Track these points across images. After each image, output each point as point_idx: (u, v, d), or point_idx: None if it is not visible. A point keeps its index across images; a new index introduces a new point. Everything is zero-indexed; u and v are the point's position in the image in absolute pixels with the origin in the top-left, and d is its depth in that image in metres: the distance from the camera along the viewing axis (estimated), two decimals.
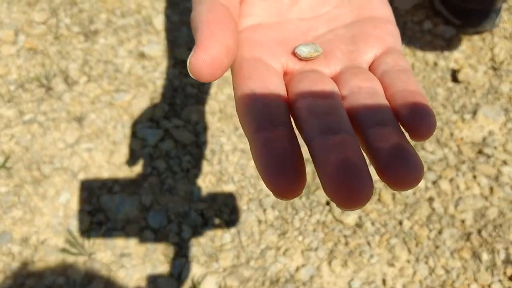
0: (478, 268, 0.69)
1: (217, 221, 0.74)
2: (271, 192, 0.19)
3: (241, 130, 0.84)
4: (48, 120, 0.83)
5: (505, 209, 0.74)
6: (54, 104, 0.85)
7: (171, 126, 0.83)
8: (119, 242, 0.72)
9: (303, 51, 0.23)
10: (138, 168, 0.79)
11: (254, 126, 0.19)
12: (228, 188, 0.77)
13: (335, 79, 0.23)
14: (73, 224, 0.73)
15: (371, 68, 0.24)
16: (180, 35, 0.95)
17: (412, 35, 0.95)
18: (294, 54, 0.24)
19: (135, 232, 0.73)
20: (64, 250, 0.70)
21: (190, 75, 0.20)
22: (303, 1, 0.26)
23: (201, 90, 0.88)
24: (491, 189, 0.76)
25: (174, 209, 0.75)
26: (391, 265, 0.70)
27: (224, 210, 0.75)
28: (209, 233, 0.73)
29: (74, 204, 0.75)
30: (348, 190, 0.17)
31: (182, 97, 0.87)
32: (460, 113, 0.85)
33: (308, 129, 0.20)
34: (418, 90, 0.21)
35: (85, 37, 0.95)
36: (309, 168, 0.79)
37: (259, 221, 0.74)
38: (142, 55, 0.92)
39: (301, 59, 0.23)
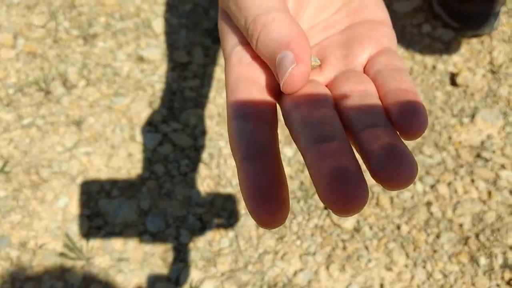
0: (476, 273, 0.69)
1: (215, 225, 0.74)
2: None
3: None
4: (47, 124, 0.84)
5: (503, 213, 0.74)
6: (53, 108, 0.85)
7: (170, 130, 0.83)
8: (117, 246, 0.72)
9: None
10: (136, 172, 0.79)
11: (241, 155, 0.19)
12: (227, 192, 0.77)
13: (329, 85, 0.24)
14: (72, 228, 0.73)
15: (365, 68, 0.24)
16: (179, 38, 0.95)
17: (411, 38, 0.95)
18: None
19: (134, 236, 0.73)
20: (62, 255, 0.70)
21: None
22: (304, 12, 0.26)
23: (200, 94, 0.89)
24: (489, 193, 0.76)
25: (172, 213, 0.75)
26: (389, 269, 0.70)
27: (222, 214, 0.75)
28: (207, 238, 0.73)
29: (72, 208, 0.75)
30: (343, 197, 0.17)
31: (181, 101, 0.87)
32: (459, 117, 0.85)
33: (302, 139, 0.20)
34: (411, 88, 0.21)
35: (84, 40, 0.95)
36: (307, 173, 0.79)
37: (257, 226, 0.74)
38: (141, 59, 0.92)
39: None
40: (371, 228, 0.73)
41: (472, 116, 0.84)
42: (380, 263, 0.70)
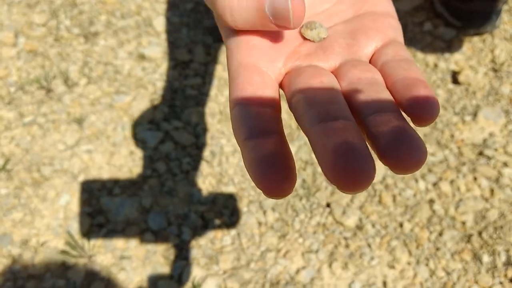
0: (478, 270, 0.69)
1: (217, 223, 0.74)
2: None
3: None
4: (48, 122, 0.83)
5: (505, 211, 0.74)
6: (54, 106, 0.85)
7: (171, 128, 0.83)
8: (119, 244, 0.72)
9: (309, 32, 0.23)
10: (138, 170, 0.79)
11: (244, 135, 0.19)
12: (228, 190, 0.77)
13: (335, 72, 0.23)
14: (73, 226, 0.73)
15: (371, 60, 0.24)
16: (180, 37, 0.95)
17: (413, 36, 0.95)
18: (300, 34, 0.24)
19: (135, 234, 0.73)
20: (64, 252, 0.70)
21: None
22: (306, 1, 0.26)
23: (201, 92, 0.88)
24: (492, 191, 0.76)
25: (174, 211, 0.75)
26: (391, 267, 0.70)
27: (224, 212, 0.75)
28: (209, 235, 0.73)
29: (74, 206, 0.75)
30: (349, 173, 0.16)
31: (182, 99, 0.87)
32: (461, 115, 0.84)
33: (307, 119, 0.19)
34: (420, 77, 0.21)
35: (85, 38, 0.95)
36: (310, 170, 0.79)
37: (259, 223, 0.74)
38: (142, 57, 0.92)
39: (306, 38, 0.24)
40: (373, 225, 0.73)
41: (474, 114, 0.84)
42: (383, 260, 0.70)
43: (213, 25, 0.96)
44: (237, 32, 0.23)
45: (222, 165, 0.80)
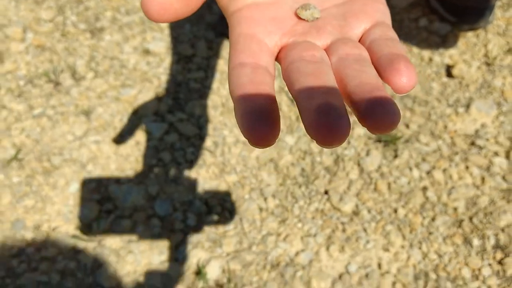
0: (469, 253, 0.73)
1: (220, 209, 0.78)
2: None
3: None
4: (57, 114, 0.87)
5: (495, 198, 0.77)
6: (63, 99, 0.89)
7: (175, 120, 0.87)
8: (127, 229, 0.75)
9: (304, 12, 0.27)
10: (144, 160, 0.82)
11: (239, 90, 0.22)
12: (231, 178, 0.81)
13: (326, 50, 0.27)
14: (83, 212, 0.77)
15: (361, 40, 0.27)
16: (183, 32, 0.98)
17: (409, 32, 0.98)
18: (296, 15, 0.27)
19: (143, 220, 0.76)
20: (74, 237, 0.74)
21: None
22: None
23: (204, 85, 0.92)
24: (483, 179, 0.79)
25: (179, 198, 0.78)
26: (386, 250, 0.73)
27: (227, 199, 0.79)
28: (213, 221, 0.77)
29: (83, 193, 0.78)
30: (327, 128, 0.20)
31: (186, 92, 0.90)
32: (454, 107, 0.88)
33: (297, 85, 0.23)
34: (403, 53, 0.24)
35: (91, 34, 0.98)
36: (308, 160, 0.82)
37: (260, 209, 0.77)
38: (146, 52, 0.95)
39: (301, 18, 0.27)
40: (369, 211, 0.77)
41: (467, 106, 0.88)
42: (378, 244, 0.74)
43: (215, 21, 1.00)
44: (238, 11, 0.27)
45: (225, 155, 0.83)
